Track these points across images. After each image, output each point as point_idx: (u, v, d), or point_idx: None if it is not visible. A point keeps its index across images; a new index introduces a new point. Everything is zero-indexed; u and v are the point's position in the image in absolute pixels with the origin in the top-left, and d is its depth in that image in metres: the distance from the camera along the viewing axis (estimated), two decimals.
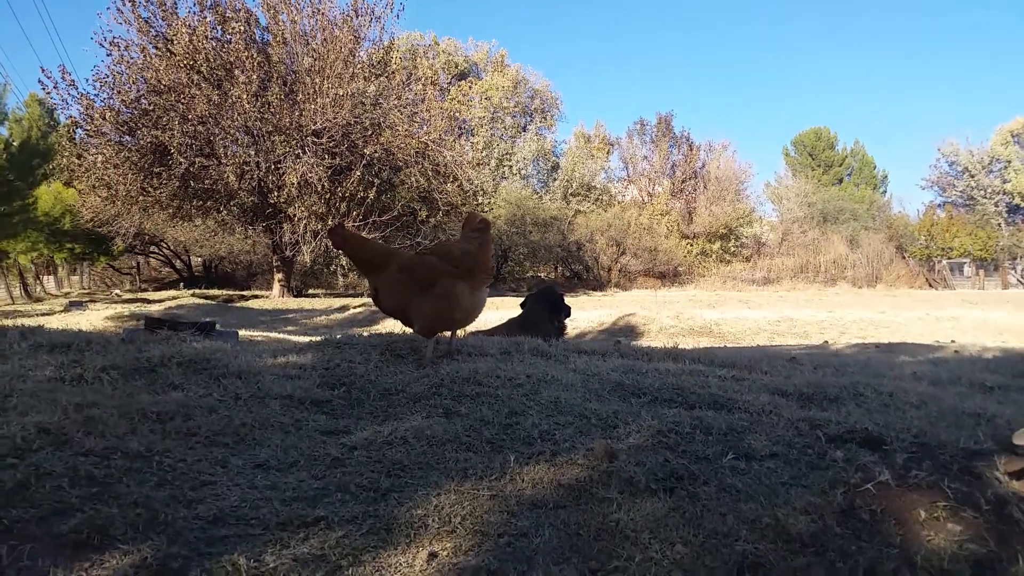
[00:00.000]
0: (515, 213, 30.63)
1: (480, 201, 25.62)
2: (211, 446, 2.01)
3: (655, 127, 38.85)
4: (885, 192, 48.08)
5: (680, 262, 32.87)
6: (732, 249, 35.92)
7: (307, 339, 3.80)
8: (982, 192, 43.00)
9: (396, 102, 20.86)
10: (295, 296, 22.69)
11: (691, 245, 34.69)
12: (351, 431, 2.21)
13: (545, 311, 5.49)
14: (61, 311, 15.64)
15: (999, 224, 40.97)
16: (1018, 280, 34.67)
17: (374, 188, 20.21)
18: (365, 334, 3.51)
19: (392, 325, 3.38)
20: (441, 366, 2.87)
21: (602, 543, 1.59)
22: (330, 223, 19.93)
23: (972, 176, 43.59)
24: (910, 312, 15.59)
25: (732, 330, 13.43)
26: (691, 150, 38.44)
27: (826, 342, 10.49)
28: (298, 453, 2.01)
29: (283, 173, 19.16)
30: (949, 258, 34.29)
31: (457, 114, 25.17)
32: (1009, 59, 73.70)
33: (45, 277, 30.07)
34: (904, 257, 35.11)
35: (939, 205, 43.34)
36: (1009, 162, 43.16)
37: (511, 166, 37.42)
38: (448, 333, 3.22)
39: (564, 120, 59.63)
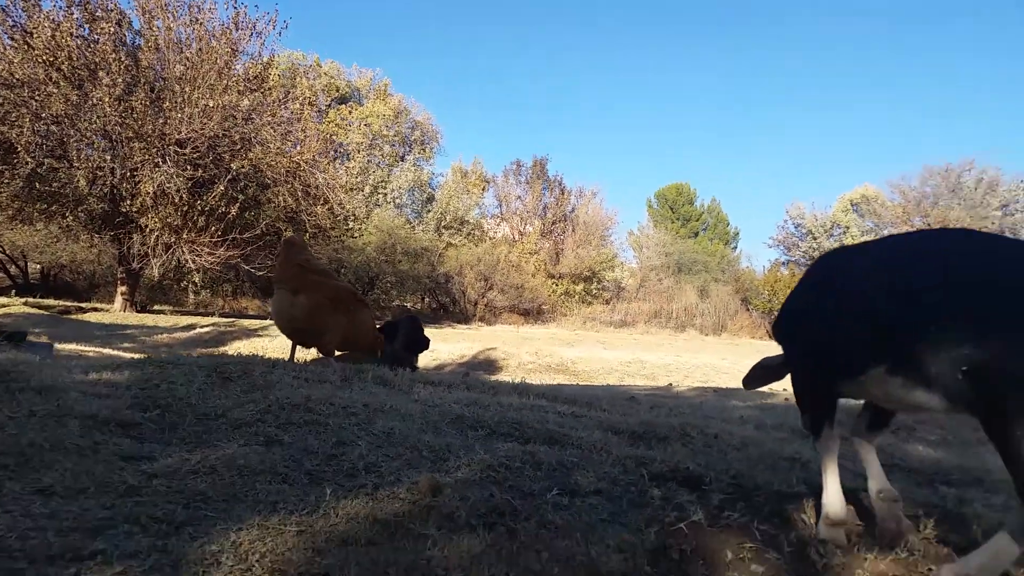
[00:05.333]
0: (386, 241, 30.22)
1: (351, 226, 25.15)
2: None
3: (530, 169, 39.77)
4: (736, 247, 51.56)
5: (545, 300, 33.54)
6: (594, 291, 37.13)
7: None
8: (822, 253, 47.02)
9: (270, 119, 20.19)
10: (139, 311, 21.13)
11: (556, 285, 35.54)
12: (156, 458, 2.03)
13: (400, 339, 5.38)
14: None
15: None
16: None
17: (237, 204, 19.35)
18: (195, 354, 3.29)
19: (239, 346, 3.21)
20: (272, 391, 2.73)
21: None
22: (185, 236, 18.92)
23: (815, 238, 47.82)
24: (750, 360, 16.44)
25: (587, 368, 13.81)
26: (563, 194, 39.60)
27: (670, 384, 11.00)
28: (89, 479, 1.81)
29: (139, 181, 17.97)
30: None
31: (334, 137, 24.73)
32: (856, 132, 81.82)
33: None
34: (748, 309, 37.61)
35: (783, 263, 46.92)
36: (848, 228, 47.88)
37: (386, 194, 37.00)
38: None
39: (443, 154, 59.97)
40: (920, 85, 75.13)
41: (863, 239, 37.20)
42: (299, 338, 3.86)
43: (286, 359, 3.37)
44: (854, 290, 1.92)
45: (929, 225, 43.98)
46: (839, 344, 1.94)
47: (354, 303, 4.21)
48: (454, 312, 31.67)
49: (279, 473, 1.98)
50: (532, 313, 32.43)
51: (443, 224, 36.48)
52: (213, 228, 19.33)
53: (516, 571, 1.61)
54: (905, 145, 76.35)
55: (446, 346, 14.58)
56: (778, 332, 2.35)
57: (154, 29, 19.03)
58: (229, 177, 19.13)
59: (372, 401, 2.77)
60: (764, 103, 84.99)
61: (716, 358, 16.53)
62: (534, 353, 14.56)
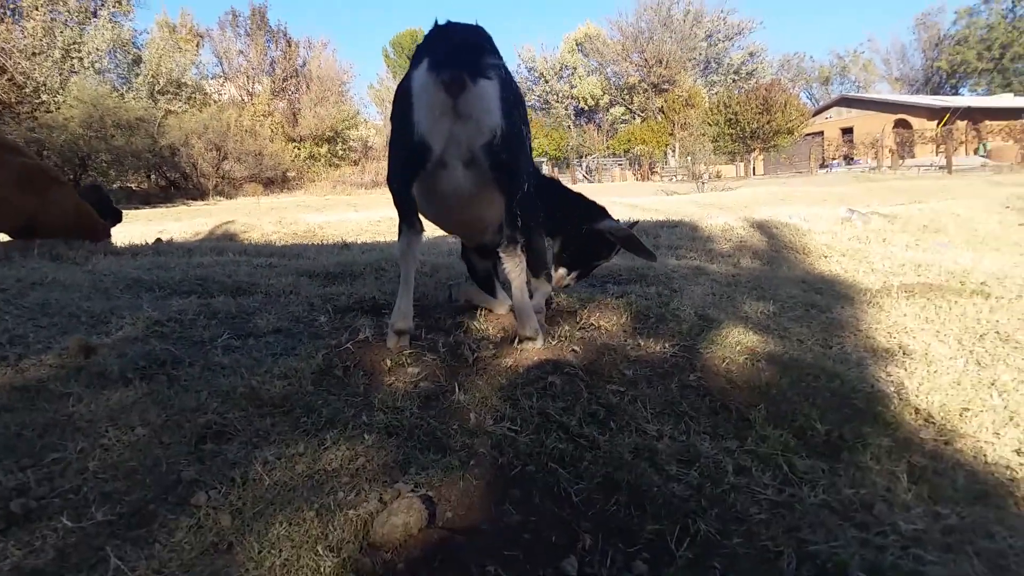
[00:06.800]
0: (92, 114, 26.09)
1: (43, 99, 21.53)
2: None
3: (249, 19, 36.08)
4: None
5: (288, 167, 31.72)
6: (340, 152, 35.77)
7: None
8: (555, 96, 49.34)
9: None
10: None
11: (298, 148, 33.63)
12: None
13: None
14: None
15: (568, 126, 47.76)
16: (583, 176, 40.68)
17: None
18: None
19: None
20: None
21: (48, 439, 1.48)
22: None
23: (547, 81, 49.53)
24: None
25: (335, 232, 13.49)
26: (290, 46, 36.57)
27: None
28: None
29: None
30: None
31: None
32: None
33: None
34: None
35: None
36: (575, 69, 49.93)
37: (81, 58, 31.66)
38: None
39: (144, 7, 52.48)
40: None
41: (589, 79, 38.58)
42: None
43: None
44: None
45: (647, 61, 47.36)
46: (403, 138, 1.90)
47: (46, 182, 3.89)
48: (188, 189, 29.01)
49: None
50: (276, 182, 30.72)
51: (157, 89, 32.34)
52: None
53: (170, 412, 1.61)
54: None
55: (178, 225, 13.34)
56: None
57: None
58: None
59: (30, 276, 2.51)
60: None
61: None
62: (278, 222, 13.86)
